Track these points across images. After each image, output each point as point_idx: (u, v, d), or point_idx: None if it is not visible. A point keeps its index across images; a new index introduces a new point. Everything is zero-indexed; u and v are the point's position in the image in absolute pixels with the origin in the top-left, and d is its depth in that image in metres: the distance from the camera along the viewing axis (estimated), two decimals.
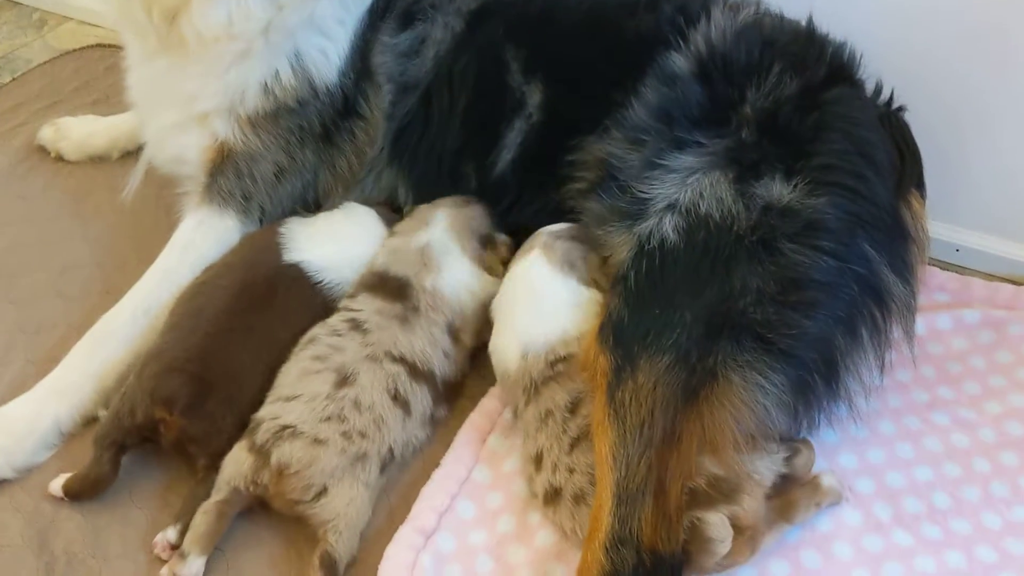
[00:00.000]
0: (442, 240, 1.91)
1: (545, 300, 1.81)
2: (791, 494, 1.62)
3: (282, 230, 1.93)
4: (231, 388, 1.71)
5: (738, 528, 1.51)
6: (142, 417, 1.66)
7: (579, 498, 1.60)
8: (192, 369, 1.70)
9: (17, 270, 2.18)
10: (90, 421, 1.82)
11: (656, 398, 1.51)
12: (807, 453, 1.66)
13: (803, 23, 1.91)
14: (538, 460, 1.67)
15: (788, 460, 1.62)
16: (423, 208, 1.99)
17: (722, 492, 1.51)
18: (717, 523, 1.49)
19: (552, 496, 1.63)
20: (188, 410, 1.67)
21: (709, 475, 1.52)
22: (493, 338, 1.84)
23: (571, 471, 1.62)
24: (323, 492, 1.59)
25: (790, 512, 1.61)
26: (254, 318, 1.79)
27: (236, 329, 1.77)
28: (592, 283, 1.82)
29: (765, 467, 1.57)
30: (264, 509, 1.66)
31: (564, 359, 1.72)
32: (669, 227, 1.64)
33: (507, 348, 1.79)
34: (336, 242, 1.95)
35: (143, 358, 1.75)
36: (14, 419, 1.78)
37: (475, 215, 1.98)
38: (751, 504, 1.52)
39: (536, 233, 1.89)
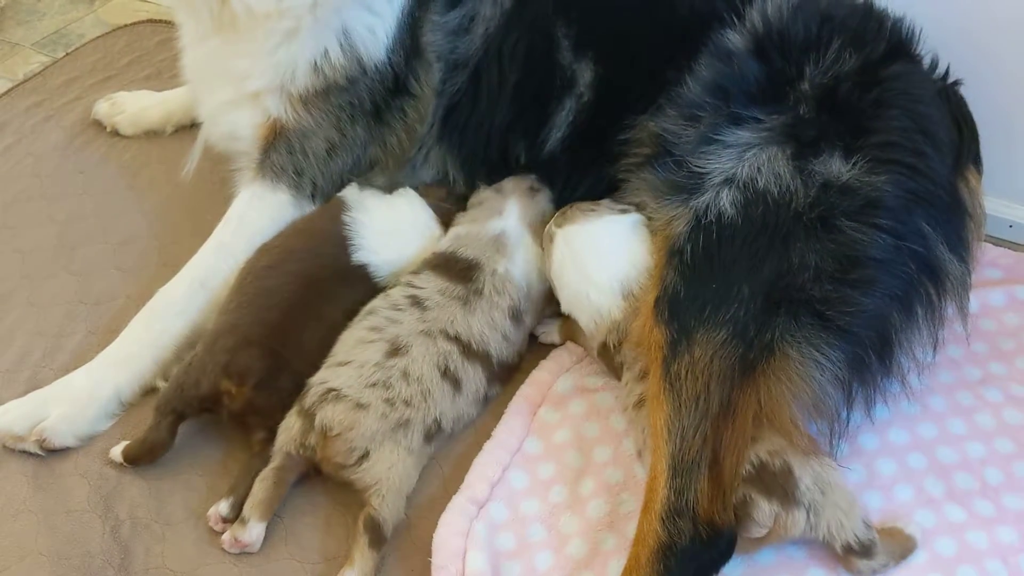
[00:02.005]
0: (516, 230, 1.93)
1: (606, 245, 1.82)
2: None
3: (346, 219, 1.92)
4: (302, 366, 1.74)
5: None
6: (207, 388, 1.70)
7: None
8: (269, 344, 1.73)
9: (76, 242, 2.22)
10: (149, 391, 1.85)
11: (712, 372, 1.52)
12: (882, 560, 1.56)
13: None
14: (646, 372, 1.68)
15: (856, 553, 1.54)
16: (491, 196, 1.99)
17: (784, 487, 1.50)
18: (766, 510, 1.50)
19: (639, 402, 1.67)
20: (262, 383, 1.70)
21: (784, 461, 1.52)
22: (582, 318, 1.84)
23: None
24: (365, 456, 1.63)
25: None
26: (323, 308, 1.82)
27: (308, 316, 1.79)
28: (620, 210, 1.86)
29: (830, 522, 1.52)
30: (320, 477, 1.69)
31: None
32: (727, 201, 1.64)
33: (602, 306, 1.79)
34: (401, 241, 1.96)
35: (212, 332, 1.77)
36: (76, 389, 1.83)
37: (544, 203, 1.99)
38: (793, 522, 1.50)
39: (547, 229, 1.90)
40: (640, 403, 1.67)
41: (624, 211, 1.87)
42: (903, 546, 1.57)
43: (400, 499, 1.64)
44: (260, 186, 2.01)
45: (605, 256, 1.81)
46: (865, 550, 1.52)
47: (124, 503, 1.71)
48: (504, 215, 1.94)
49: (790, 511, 1.50)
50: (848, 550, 1.52)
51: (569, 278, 1.84)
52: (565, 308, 1.87)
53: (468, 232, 1.93)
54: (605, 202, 1.90)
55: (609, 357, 1.80)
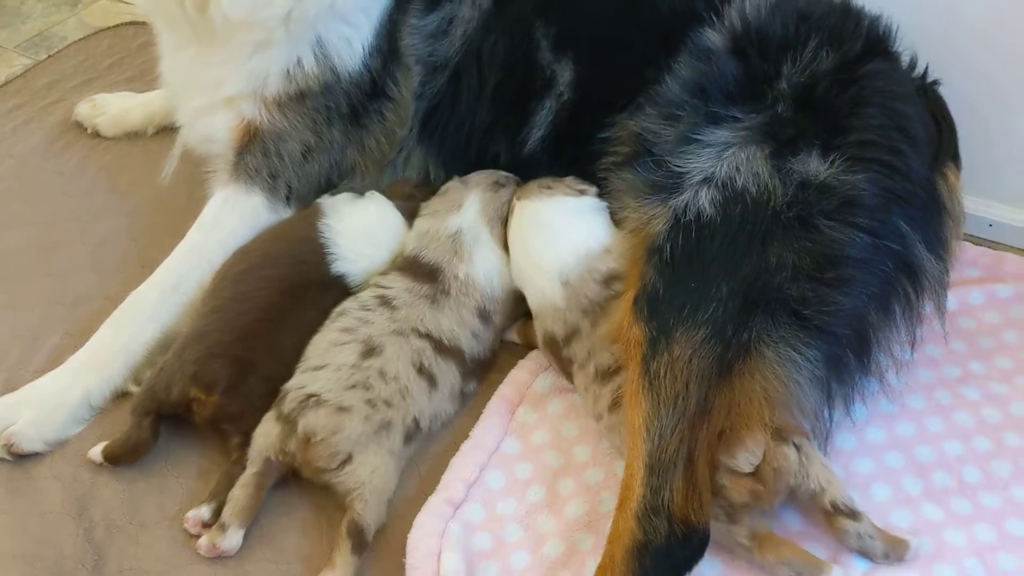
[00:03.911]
0: (473, 227, 1.91)
1: (551, 226, 1.85)
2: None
3: (322, 228, 1.91)
4: (272, 367, 1.73)
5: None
6: (177, 395, 1.69)
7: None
8: (234, 352, 1.72)
9: (54, 244, 2.21)
10: (121, 396, 1.84)
11: (691, 371, 1.52)
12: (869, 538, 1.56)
13: None
14: (609, 373, 1.69)
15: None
16: (455, 187, 1.99)
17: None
18: (758, 437, 1.50)
19: (613, 406, 1.67)
20: (228, 390, 1.69)
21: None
22: (528, 295, 1.86)
23: None
24: (348, 460, 1.62)
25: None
26: (304, 313, 1.81)
27: (285, 320, 1.78)
28: (578, 191, 1.88)
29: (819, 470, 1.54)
30: (296, 478, 1.68)
31: (617, 277, 1.76)
32: (706, 200, 1.63)
33: (544, 288, 1.81)
34: (375, 247, 1.95)
35: (183, 338, 1.77)
36: (45, 393, 1.81)
37: (506, 197, 1.97)
38: (783, 455, 1.51)
39: (515, 203, 1.92)
40: (615, 405, 1.66)
41: (583, 192, 1.88)
42: (896, 548, 1.56)
43: (382, 503, 1.63)
44: (234, 188, 1.99)
45: (547, 237, 1.84)
46: (852, 513, 1.54)
47: (98, 505, 1.70)
48: (462, 211, 1.93)
49: (780, 444, 1.51)
50: (836, 509, 1.53)
51: (515, 252, 1.88)
52: (514, 280, 1.88)
53: (429, 229, 1.92)
54: (568, 179, 1.91)
55: (556, 350, 1.79)
